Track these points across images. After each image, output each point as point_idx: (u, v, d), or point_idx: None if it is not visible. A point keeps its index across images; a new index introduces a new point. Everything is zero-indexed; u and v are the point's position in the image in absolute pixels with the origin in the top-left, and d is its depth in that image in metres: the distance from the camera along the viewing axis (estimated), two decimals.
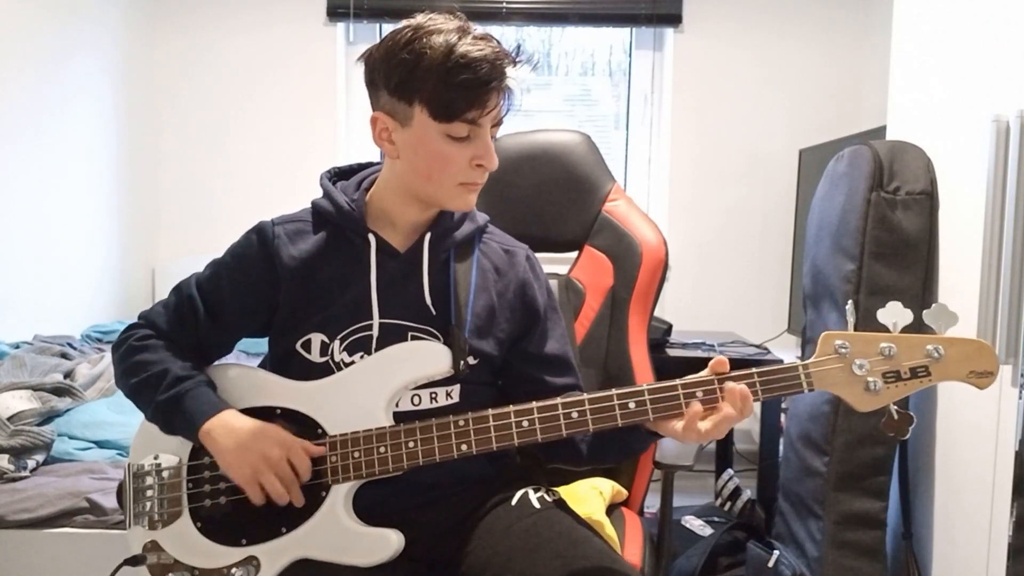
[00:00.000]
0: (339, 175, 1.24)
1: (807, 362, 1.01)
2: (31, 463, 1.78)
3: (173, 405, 1.10)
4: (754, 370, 1.02)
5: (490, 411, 1.06)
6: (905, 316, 0.99)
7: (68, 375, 2.22)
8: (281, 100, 3.44)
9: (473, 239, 1.22)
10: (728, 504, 2.39)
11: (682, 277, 3.37)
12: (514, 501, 1.15)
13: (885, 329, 1.00)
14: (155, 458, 1.14)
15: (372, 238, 1.15)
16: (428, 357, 1.10)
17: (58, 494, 1.66)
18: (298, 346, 1.14)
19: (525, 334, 1.22)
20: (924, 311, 0.99)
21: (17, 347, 2.37)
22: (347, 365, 1.12)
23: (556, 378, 1.22)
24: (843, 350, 1.01)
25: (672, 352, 2.48)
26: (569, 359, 1.25)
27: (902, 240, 1.76)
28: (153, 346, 1.15)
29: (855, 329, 1.02)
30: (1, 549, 1.64)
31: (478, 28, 1.08)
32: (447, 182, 1.11)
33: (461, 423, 1.06)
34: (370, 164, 1.25)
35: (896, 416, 1.01)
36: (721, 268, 3.43)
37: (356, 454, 1.07)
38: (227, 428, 1.07)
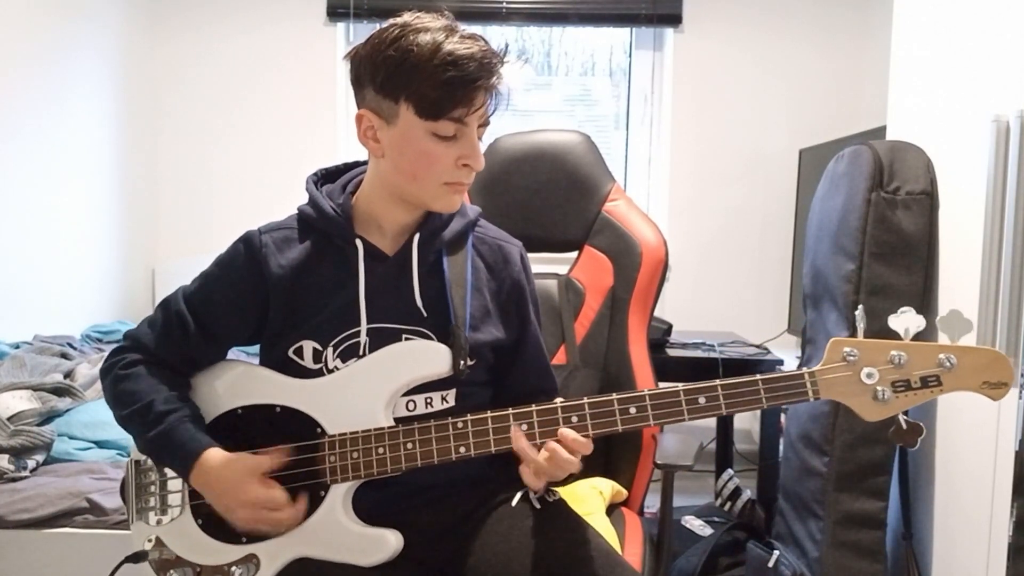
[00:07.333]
0: (326, 177, 1.22)
1: (814, 369, 0.99)
2: (31, 463, 1.78)
3: (156, 447, 1.09)
4: (758, 377, 1.00)
5: (489, 413, 1.06)
6: (917, 323, 0.96)
7: (68, 375, 2.21)
8: (281, 100, 3.44)
9: (464, 235, 1.19)
10: (728, 504, 2.39)
11: (682, 277, 3.37)
12: (514, 502, 1.14)
13: (893, 334, 0.97)
14: None
15: (359, 243, 1.13)
16: (428, 357, 1.10)
17: (58, 494, 1.66)
18: (290, 353, 1.13)
19: (517, 339, 1.22)
20: (938, 318, 0.96)
21: (17, 347, 2.37)
22: None
23: (541, 384, 1.25)
24: (851, 358, 0.98)
25: (672, 352, 2.49)
26: (550, 366, 1.28)
27: (902, 240, 1.76)
28: (137, 374, 1.12)
29: (864, 336, 0.99)
30: (1, 549, 1.64)
31: (466, 28, 1.07)
32: (432, 182, 1.08)
33: (460, 425, 1.06)
34: (356, 164, 1.23)
35: (905, 426, 0.98)
36: (721, 268, 3.43)
37: (355, 454, 1.07)
38: (206, 482, 1.07)
